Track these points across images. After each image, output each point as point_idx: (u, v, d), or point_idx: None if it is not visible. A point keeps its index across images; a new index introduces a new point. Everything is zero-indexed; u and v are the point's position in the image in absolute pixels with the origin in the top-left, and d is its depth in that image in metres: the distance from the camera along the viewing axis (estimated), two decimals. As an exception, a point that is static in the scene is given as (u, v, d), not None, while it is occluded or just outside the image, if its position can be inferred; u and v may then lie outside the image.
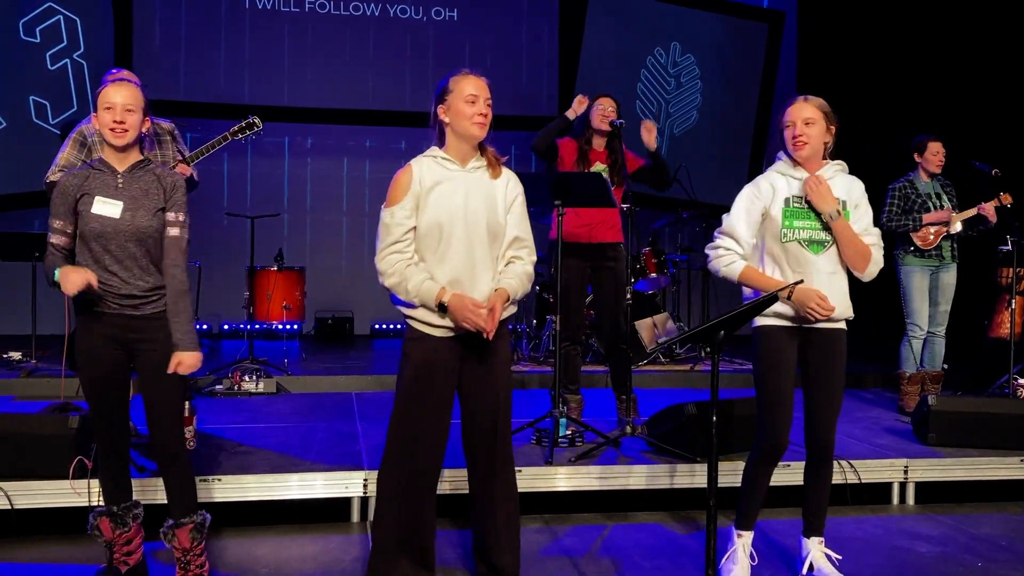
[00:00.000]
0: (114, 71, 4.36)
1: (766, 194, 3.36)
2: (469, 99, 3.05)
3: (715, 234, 3.45)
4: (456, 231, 3.05)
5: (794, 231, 3.31)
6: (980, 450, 4.71)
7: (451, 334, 3.08)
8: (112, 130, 3.08)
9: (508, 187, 3.17)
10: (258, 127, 4.80)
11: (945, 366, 5.94)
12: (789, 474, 4.24)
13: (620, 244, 5.05)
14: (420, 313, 3.07)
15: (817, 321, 3.30)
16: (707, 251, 3.47)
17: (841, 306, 3.34)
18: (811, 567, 3.48)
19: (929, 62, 8.86)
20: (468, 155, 3.13)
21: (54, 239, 3.12)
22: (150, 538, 3.40)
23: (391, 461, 3.13)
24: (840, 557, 3.54)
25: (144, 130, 3.17)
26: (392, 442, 3.13)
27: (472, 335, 3.07)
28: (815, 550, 3.49)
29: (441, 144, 3.15)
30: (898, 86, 9.06)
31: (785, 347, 3.33)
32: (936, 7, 8.81)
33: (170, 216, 3.17)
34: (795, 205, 3.33)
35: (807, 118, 3.32)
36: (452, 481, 4.00)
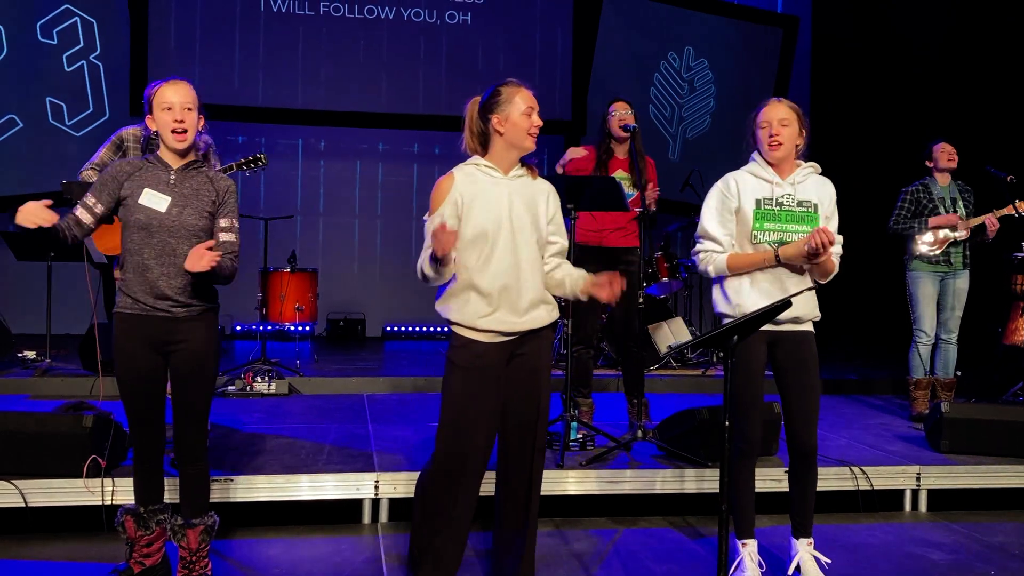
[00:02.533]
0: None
1: (733, 191, 3.38)
2: (527, 112, 3.08)
3: (695, 237, 3.48)
4: (502, 237, 3.05)
5: (765, 232, 3.32)
6: (993, 458, 4.68)
7: (497, 339, 3.07)
8: (173, 131, 3.09)
9: (550, 197, 3.22)
10: (263, 163, 4.89)
11: (958, 373, 5.91)
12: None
13: (635, 249, 5.05)
14: (466, 319, 3.06)
15: (782, 323, 3.33)
16: (692, 259, 3.51)
17: (808, 307, 3.36)
18: (798, 568, 3.47)
19: (943, 67, 8.83)
20: (512, 164, 3.14)
21: (78, 211, 3.12)
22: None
23: (440, 468, 3.09)
24: (830, 561, 3.53)
25: (200, 128, 3.19)
26: (442, 449, 3.09)
27: (516, 340, 3.09)
28: (803, 551, 3.48)
29: (484, 151, 3.14)
30: (912, 91, 9.03)
31: (754, 349, 3.34)
32: (950, 12, 8.78)
33: (223, 222, 3.20)
34: (766, 207, 3.35)
35: (782, 119, 3.34)
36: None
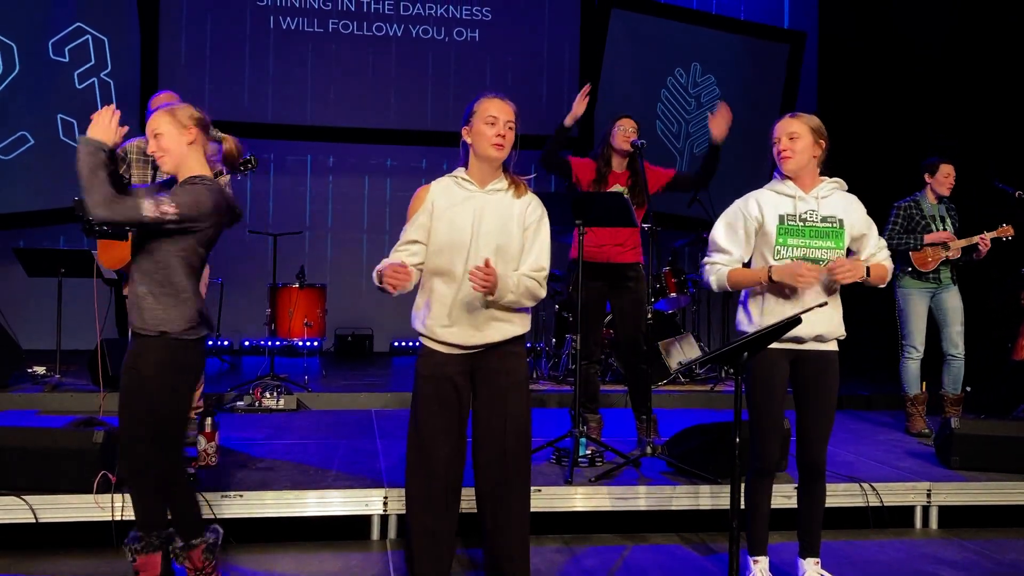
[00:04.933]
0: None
1: (752, 211, 3.39)
2: (489, 120, 3.07)
3: (707, 251, 3.51)
4: (467, 252, 3.08)
5: (788, 248, 3.33)
6: (1004, 474, 4.66)
7: (456, 351, 3.11)
8: (159, 158, 3.16)
9: (528, 209, 3.17)
10: (253, 165, 4.88)
11: (968, 388, 5.89)
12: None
13: (639, 264, 5.05)
14: (428, 330, 3.11)
15: (805, 342, 3.33)
16: (700, 272, 3.54)
17: (832, 324, 3.38)
18: None
19: (951, 82, 8.83)
20: (488, 176, 3.15)
21: None
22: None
23: (411, 479, 3.15)
24: None
25: (188, 142, 3.12)
26: (410, 460, 3.15)
27: (478, 353, 3.10)
28: (811, 571, 3.47)
29: (465, 164, 3.18)
30: (919, 107, 9.03)
31: (777, 368, 3.34)
32: (958, 26, 8.79)
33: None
34: (789, 223, 3.36)
35: (791, 132, 3.37)
36: (467, 500, 3.99)
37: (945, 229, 5.68)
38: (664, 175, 5.08)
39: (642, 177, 4.88)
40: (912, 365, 5.73)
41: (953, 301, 5.72)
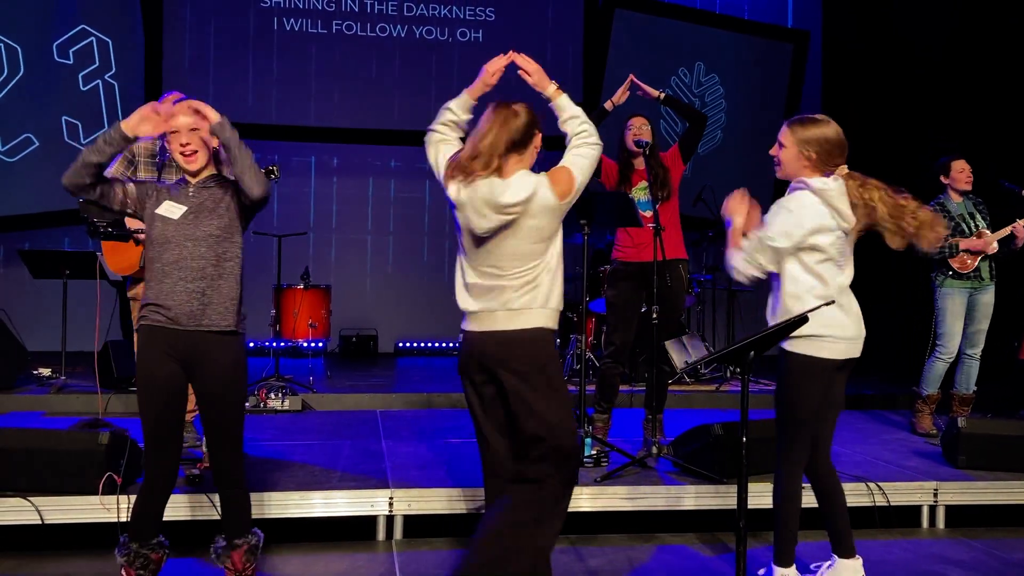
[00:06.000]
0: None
1: None
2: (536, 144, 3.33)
3: None
4: None
5: None
6: (1011, 473, 4.64)
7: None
8: (192, 154, 3.27)
9: None
10: (276, 176, 4.87)
11: (975, 388, 5.86)
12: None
13: (679, 261, 5.00)
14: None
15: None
16: None
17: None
18: None
19: (956, 81, 8.81)
20: None
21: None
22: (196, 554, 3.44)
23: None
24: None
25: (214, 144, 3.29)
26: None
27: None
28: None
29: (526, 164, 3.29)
30: (925, 106, 9.01)
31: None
32: (958, 28, 8.77)
33: None
34: None
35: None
36: (476, 500, 3.99)
37: (977, 225, 5.64)
38: (674, 155, 5.05)
39: (662, 171, 4.87)
40: (940, 366, 5.69)
41: (987, 299, 5.66)
